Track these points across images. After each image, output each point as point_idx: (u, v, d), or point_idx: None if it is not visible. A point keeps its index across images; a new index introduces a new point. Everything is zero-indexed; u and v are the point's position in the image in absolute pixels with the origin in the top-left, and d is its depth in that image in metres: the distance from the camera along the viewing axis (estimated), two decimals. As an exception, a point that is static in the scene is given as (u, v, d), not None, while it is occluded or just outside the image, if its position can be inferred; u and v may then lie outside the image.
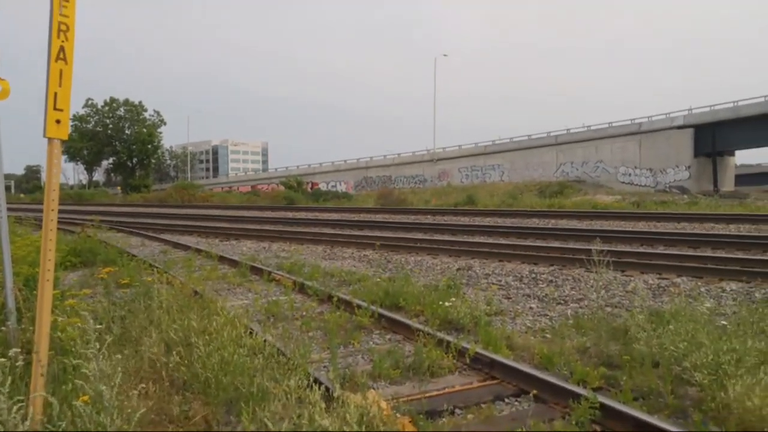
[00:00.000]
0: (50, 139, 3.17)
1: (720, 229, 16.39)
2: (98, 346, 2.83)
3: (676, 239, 13.41)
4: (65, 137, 3.23)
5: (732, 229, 16.29)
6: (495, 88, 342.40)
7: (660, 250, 12.12)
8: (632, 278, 9.14)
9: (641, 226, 18.12)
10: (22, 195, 79.93)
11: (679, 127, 40.75)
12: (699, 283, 8.61)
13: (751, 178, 60.96)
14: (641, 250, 12.12)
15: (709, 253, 11.51)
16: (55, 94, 3.12)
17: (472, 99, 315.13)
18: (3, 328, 4.14)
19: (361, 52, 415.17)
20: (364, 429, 2.75)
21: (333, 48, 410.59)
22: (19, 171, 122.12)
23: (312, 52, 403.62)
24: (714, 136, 39.04)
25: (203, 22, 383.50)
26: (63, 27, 3.08)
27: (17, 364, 3.13)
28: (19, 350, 3.34)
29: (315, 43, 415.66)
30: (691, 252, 11.66)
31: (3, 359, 3.00)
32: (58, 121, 3.16)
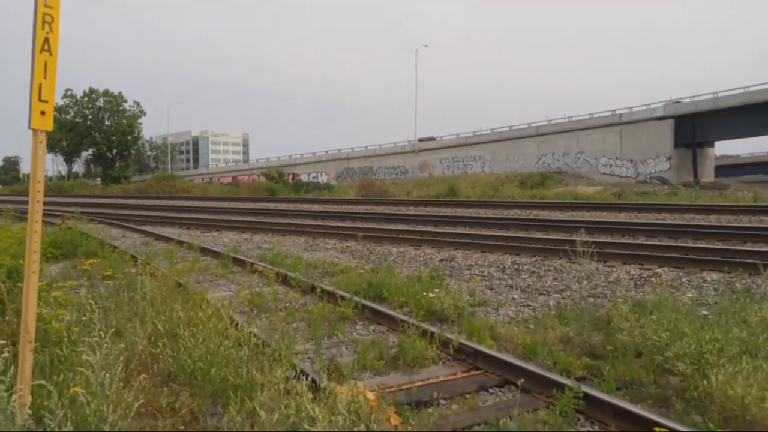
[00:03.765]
0: (35, 131, 3.14)
1: (700, 219, 16.55)
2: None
3: (657, 230, 13.55)
4: (50, 128, 3.19)
5: (712, 219, 16.45)
6: (477, 78, 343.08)
7: (641, 240, 12.26)
8: (614, 269, 9.24)
9: (623, 216, 18.31)
10: (0, 186, 78.53)
11: (660, 118, 41.01)
12: (680, 274, 8.71)
13: (730, 169, 61.36)
14: (623, 240, 12.25)
15: (690, 243, 11.64)
16: (40, 85, 3.08)
17: (453, 89, 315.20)
18: None
19: (342, 43, 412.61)
20: (353, 418, 2.77)
21: (313, 38, 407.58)
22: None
23: (292, 44, 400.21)
24: (694, 127, 39.30)
25: (180, 15, 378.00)
26: (47, 18, 3.04)
27: (3, 356, 3.11)
28: (5, 342, 3.30)
29: (294, 34, 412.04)
30: (672, 242, 11.80)
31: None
32: (43, 113, 3.12)
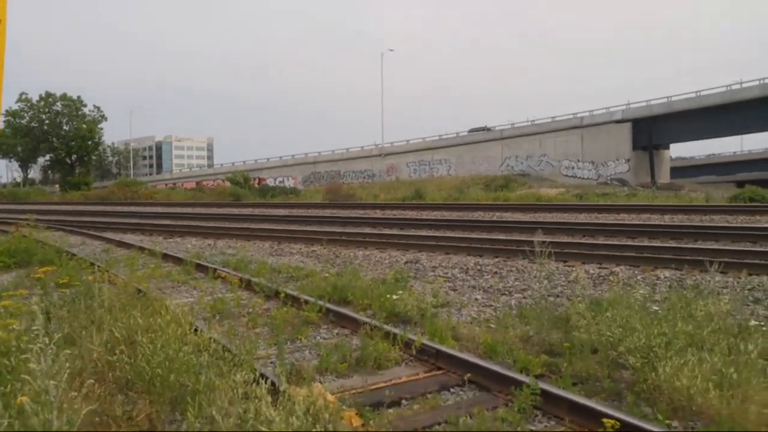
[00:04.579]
0: (-19, 134, 3.06)
1: (656, 219, 17.08)
2: (47, 342, 2.77)
3: (615, 230, 13.95)
4: (-2, 133, 3.12)
5: (666, 219, 17.01)
6: (441, 82, 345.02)
7: (601, 240, 12.56)
8: (574, 268, 9.45)
9: (583, 217, 18.72)
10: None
11: (618, 122, 42.25)
12: (636, 272, 9.00)
13: (685, 170, 63.99)
14: (583, 241, 12.55)
15: (645, 242, 12.03)
16: (-15, 87, 3.01)
17: (419, 93, 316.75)
18: None
19: (308, 46, 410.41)
20: (310, 420, 2.79)
21: (279, 42, 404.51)
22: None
23: (256, 47, 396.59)
24: (650, 130, 40.69)
25: (141, 17, 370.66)
26: (-6, 19, 2.96)
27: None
28: None
29: (260, 37, 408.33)
30: (629, 242, 12.14)
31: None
32: (-11, 116, 3.05)
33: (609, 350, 4.82)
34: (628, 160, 41.29)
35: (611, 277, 8.60)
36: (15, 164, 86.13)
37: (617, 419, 3.34)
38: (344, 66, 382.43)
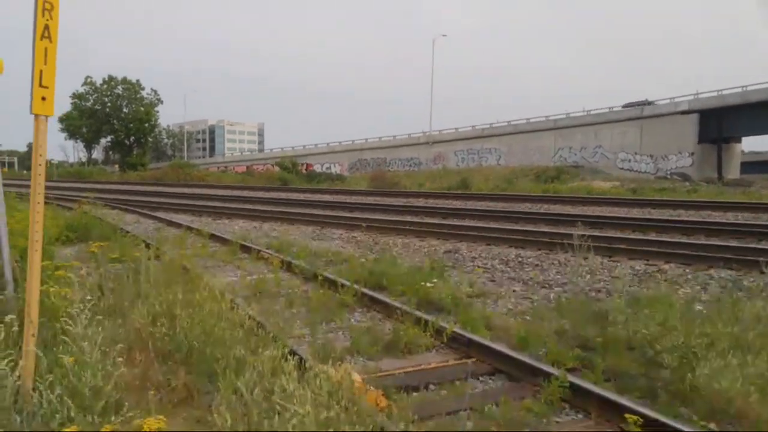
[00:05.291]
0: (36, 116, 3.25)
1: (717, 216, 16.26)
2: (82, 307, 2.99)
3: (669, 226, 13.47)
4: (51, 113, 3.30)
5: (729, 217, 16.14)
6: (493, 69, 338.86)
7: (651, 236, 12.19)
8: (619, 263, 9.24)
9: (635, 212, 18.13)
10: (24, 171, 79.77)
11: (683, 113, 40.01)
12: (687, 270, 8.68)
13: (758, 165, 59.14)
14: (632, 236, 12.19)
15: (702, 240, 11.49)
16: (41, 71, 3.18)
17: (470, 79, 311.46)
18: (0, 296, 4.29)
19: (355, 32, 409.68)
20: (333, 398, 2.88)
21: (326, 28, 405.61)
22: (22, 148, 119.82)
23: (304, 33, 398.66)
24: (720, 122, 38.27)
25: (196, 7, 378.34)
26: (47, 6, 3.14)
27: (13, 329, 3.29)
28: (15, 317, 3.48)
29: (307, 24, 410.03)
30: (683, 239, 11.66)
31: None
32: (43, 98, 3.23)
33: (646, 348, 4.73)
34: (692, 154, 39.15)
35: (658, 274, 8.38)
36: (81, 145, 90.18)
37: (641, 414, 3.30)
38: (394, 49, 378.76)
